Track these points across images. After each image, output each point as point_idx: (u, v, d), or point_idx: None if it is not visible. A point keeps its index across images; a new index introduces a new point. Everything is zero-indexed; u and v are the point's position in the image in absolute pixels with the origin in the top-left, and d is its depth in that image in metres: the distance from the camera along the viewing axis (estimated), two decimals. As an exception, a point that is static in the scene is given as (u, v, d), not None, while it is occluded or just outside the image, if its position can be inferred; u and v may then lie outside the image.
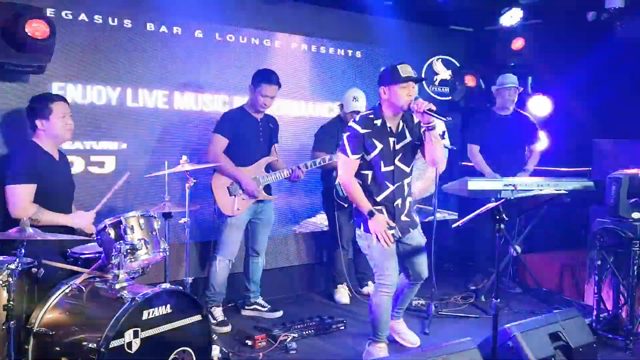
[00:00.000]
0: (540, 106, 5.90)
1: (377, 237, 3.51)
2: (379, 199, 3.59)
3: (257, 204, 4.47)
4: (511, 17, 5.68)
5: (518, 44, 5.85)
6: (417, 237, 3.75)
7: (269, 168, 4.54)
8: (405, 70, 3.46)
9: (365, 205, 3.53)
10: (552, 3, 5.55)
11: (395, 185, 3.59)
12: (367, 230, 3.57)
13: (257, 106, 4.37)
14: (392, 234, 3.56)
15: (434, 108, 3.36)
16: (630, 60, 5.28)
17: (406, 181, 3.64)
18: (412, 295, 4.00)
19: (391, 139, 3.55)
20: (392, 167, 3.56)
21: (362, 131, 3.51)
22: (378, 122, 3.54)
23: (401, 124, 3.59)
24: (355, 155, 3.53)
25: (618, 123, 5.47)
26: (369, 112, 3.61)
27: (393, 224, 3.59)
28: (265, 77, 4.32)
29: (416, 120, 3.60)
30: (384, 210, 3.59)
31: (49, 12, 4.11)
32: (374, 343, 3.76)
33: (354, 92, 4.92)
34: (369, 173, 3.59)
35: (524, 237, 5.31)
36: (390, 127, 3.56)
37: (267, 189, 4.52)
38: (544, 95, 5.90)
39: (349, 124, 3.62)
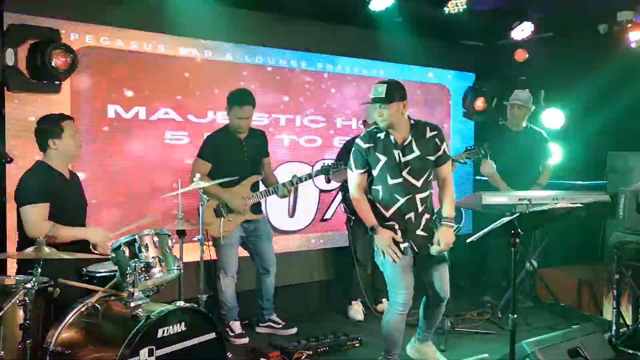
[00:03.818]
0: (553, 119, 5.87)
1: (383, 253, 3.51)
2: (389, 213, 3.57)
3: (248, 223, 4.46)
4: (522, 31, 5.67)
5: (521, 55, 5.84)
6: (435, 255, 3.64)
7: (259, 185, 4.54)
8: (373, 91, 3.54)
9: (369, 220, 3.56)
10: (563, 16, 5.54)
11: (406, 198, 3.55)
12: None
13: (234, 128, 4.36)
14: (404, 249, 3.54)
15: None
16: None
17: (418, 196, 3.57)
18: (437, 317, 3.85)
19: (395, 152, 3.55)
20: (400, 180, 3.54)
21: (364, 146, 3.58)
22: (382, 135, 3.57)
23: (409, 138, 3.57)
24: (359, 170, 3.60)
25: (633, 135, 5.43)
26: (375, 126, 3.66)
27: (400, 239, 3.55)
28: (237, 99, 4.30)
29: (429, 135, 3.59)
30: (396, 226, 3.56)
31: (87, 38, 4.30)
32: None
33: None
34: (380, 187, 3.59)
35: (540, 252, 5.26)
36: (395, 140, 3.56)
37: (257, 207, 4.52)
38: (556, 109, 5.88)
39: (355, 140, 3.68)
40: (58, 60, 3.92)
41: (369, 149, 3.56)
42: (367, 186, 3.67)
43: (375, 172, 3.58)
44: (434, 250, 3.53)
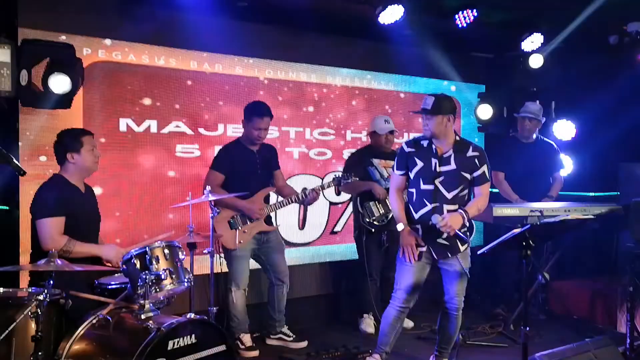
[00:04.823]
0: (564, 131, 5.85)
1: (402, 250, 3.70)
2: (417, 215, 3.73)
3: (260, 235, 4.48)
4: (532, 43, 5.67)
5: (536, 62, 5.81)
6: (454, 264, 3.74)
7: (270, 198, 4.57)
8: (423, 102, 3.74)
9: (400, 218, 3.77)
10: (573, 27, 5.53)
11: (433, 205, 3.68)
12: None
13: (252, 139, 4.41)
14: (420, 252, 3.70)
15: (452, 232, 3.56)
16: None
17: (447, 207, 3.68)
18: (453, 330, 3.88)
19: (434, 160, 3.70)
20: (431, 187, 3.69)
21: (407, 150, 3.80)
22: (425, 142, 3.75)
23: (450, 151, 3.70)
24: (399, 172, 3.83)
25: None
26: (422, 135, 3.83)
27: (423, 244, 3.70)
28: (257, 111, 4.37)
29: (470, 154, 3.70)
30: (420, 229, 3.71)
31: (100, 52, 4.37)
32: (372, 354, 3.88)
33: (383, 117, 5.08)
34: (414, 190, 3.76)
35: (552, 264, 5.22)
36: (436, 150, 3.72)
37: (269, 219, 4.55)
38: (567, 120, 5.85)
39: (402, 144, 3.88)
40: (57, 87, 3.91)
41: (410, 153, 3.77)
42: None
43: (411, 175, 3.76)
44: (434, 219, 3.59)
